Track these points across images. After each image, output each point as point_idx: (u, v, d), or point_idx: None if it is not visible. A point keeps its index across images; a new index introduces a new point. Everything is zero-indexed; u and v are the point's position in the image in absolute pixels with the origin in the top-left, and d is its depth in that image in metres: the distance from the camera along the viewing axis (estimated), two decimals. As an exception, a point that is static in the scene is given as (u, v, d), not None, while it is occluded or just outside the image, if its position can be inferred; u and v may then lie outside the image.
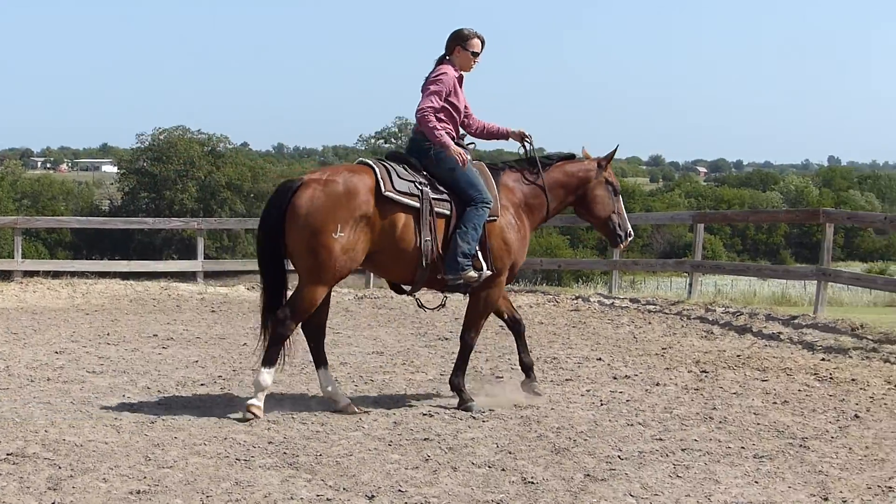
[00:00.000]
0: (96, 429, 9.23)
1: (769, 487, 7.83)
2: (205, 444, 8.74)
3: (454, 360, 10.97)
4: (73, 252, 76.06)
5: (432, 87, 10.49)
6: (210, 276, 26.58)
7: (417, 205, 10.15)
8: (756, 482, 7.96)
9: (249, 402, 9.94)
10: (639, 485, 7.82)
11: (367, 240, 9.98)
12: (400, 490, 7.57)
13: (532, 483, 7.81)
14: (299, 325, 10.21)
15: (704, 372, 12.56)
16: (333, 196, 9.83)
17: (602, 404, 10.67)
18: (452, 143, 10.45)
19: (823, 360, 13.58)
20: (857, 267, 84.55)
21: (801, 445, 9.06)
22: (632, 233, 11.44)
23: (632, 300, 20.08)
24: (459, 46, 10.72)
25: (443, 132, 10.41)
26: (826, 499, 7.58)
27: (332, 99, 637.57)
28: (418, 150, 10.56)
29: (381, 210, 10.01)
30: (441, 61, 10.76)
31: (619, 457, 8.59)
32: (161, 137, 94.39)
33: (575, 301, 19.62)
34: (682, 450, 8.84)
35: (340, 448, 8.70)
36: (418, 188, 10.20)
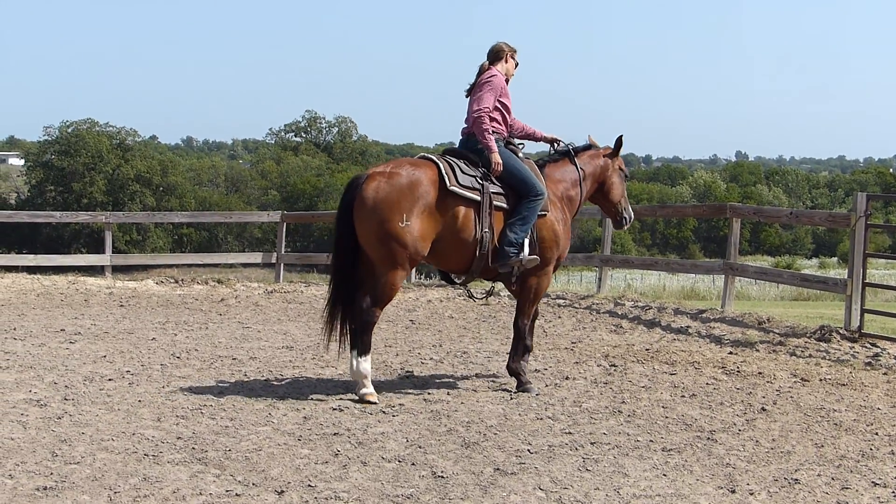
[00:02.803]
0: (2, 424, 9.10)
1: (677, 480, 7.90)
2: (112, 440, 8.66)
3: (510, 347, 11.62)
4: (-21, 246, 74.99)
5: (486, 89, 11.09)
6: (118, 270, 26.33)
7: (479, 198, 10.74)
8: (664, 475, 8.03)
9: (362, 393, 10.51)
10: (548, 478, 7.85)
11: (432, 227, 10.56)
12: (310, 485, 7.55)
13: (442, 477, 7.82)
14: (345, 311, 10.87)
15: (613, 366, 12.64)
16: (397, 187, 10.39)
17: (511, 398, 10.71)
18: (497, 149, 10.99)
19: (731, 353, 13.74)
20: (764, 261, 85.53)
21: (708, 438, 9.15)
22: (633, 216, 12.39)
23: (542, 294, 20.12)
24: (509, 55, 11.43)
25: (492, 137, 11.00)
26: (733, 491, 7.66)
27: (241, 92, 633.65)
28: (475, 147, 11.11)
29: (446, 202, 10.60)
30: (486, 68, 11.30)
31: (528, 451, 8.62)
32: (69, 130, 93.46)
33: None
34: (591, 443, 8.89)
35: (249, 443, 8.66)
36: (479, 183, 10.79)
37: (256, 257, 30.48)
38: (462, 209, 10.67)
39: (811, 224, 70.58)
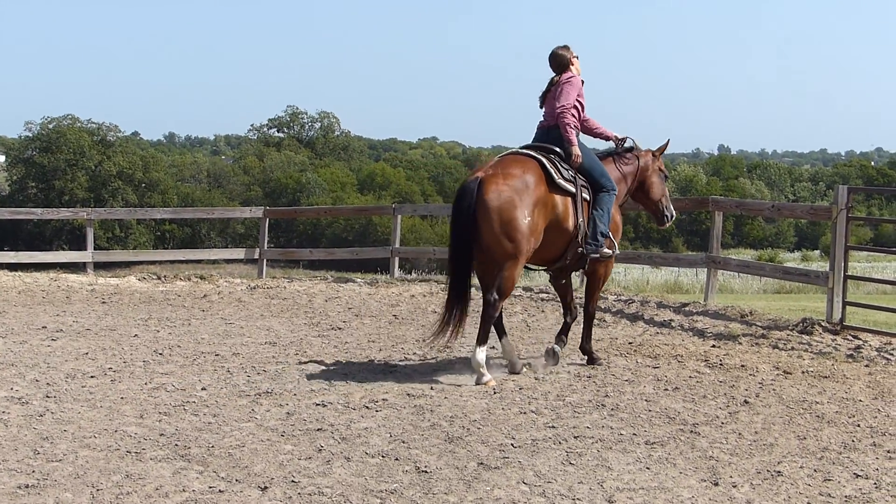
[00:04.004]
0: (-17, 423, 9.08)
1: (661, 473, 7.91)
2: (95, 437, 8.64)
3: (582, 331, 12.61)
4: (-40, 243, 74.74)
5: (568, 87, 11.94)
6: (100, 266, 26.24)
7: (574, 190, 11.63)
8: (648, 468, 8.04)
9: (483, 380, 11.14)
10: (532, 472, 7.86)
11: (544, 220, 11.31)
12: (293, 481, 7.54)
13: (426, 472, 7.82)
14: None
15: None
16: (516, 186, 11.08)
17: (495, 392, 10.70)
18: (577, 143, 11.87)
19: (714, 346, 13.75)
20: (747, 254, 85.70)
21: (691, 431, 9.17)
22: (674, 214, 13.27)
23: (525, 289, 20.13)
24: (571, 58, 12.17)
25: (573, 132, 11.87)
26: (716, 483, 7.68)
27: (223, 88, 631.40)
28: (554, 139, 11.91)
29: (552, 195, 11.41)
30: (559, 77, 12.11)
31: (512, 445, 8.63)
32: (50, 126, 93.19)
33: (468, 290, 19.64)
34: (575, 437, 8.90)
35: (233, 439, 8.65)
36: (571, 176, 11.65)
37: (239, 253, 30.32)
38: (564, 200, 11.50)
39: (793, 217, 70.71)
